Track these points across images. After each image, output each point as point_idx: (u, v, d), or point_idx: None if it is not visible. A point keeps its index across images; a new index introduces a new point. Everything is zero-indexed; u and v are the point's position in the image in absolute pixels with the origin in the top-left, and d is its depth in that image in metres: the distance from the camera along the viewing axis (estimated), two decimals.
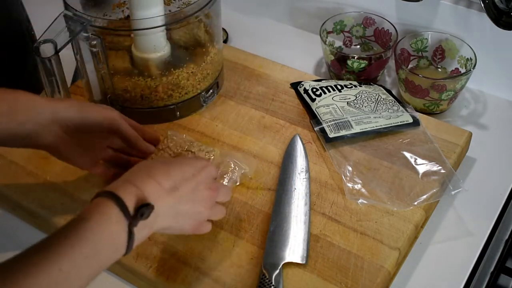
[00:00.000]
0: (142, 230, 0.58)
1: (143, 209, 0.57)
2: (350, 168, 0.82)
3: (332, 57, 0.99)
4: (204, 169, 0.66)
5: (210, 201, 0.67)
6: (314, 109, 0.90)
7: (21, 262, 0.51)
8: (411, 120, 0.88)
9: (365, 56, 0.98)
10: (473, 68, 0.92)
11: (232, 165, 0.81)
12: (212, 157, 0.81)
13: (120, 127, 0.75)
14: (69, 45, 0.81)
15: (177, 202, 0.62)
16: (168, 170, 0.62)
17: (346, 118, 0.87)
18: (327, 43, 1.01)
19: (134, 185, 0.58)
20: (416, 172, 0.82)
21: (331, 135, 0.85)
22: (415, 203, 0.78)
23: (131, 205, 0.57)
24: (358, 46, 1.07)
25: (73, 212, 0.79)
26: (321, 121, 0.87)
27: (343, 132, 0.85)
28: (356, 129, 0.86)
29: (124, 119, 0.77)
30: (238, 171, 0.81)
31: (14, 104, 0.68)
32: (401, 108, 0.90)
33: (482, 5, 0.87)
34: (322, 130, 0.86)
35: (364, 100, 0.90)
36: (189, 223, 0.65)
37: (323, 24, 1.01)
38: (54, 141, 0.71)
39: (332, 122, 0.86)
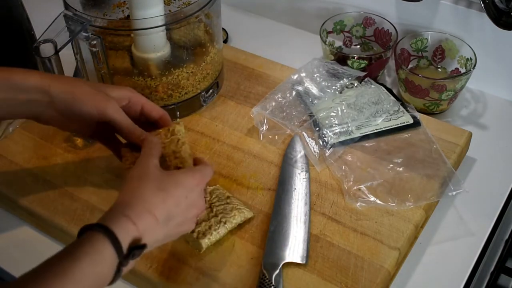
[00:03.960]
0: (129, 264, 0.58)
1: (136, 250, 0.57)
2: (349, 169, 0.82)
3: (332, 57, 0.99)
4: (194, 189, 0.65)
5: (195, 217, 0.67)
6: (314, 112, 0.89)
7: None
8: (411, 121, 0.87)
9: (365, 56, 0.98)
10: (473, 68, 0.92)
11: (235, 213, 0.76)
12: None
13: (113, 122, 0.70)
14: (69, 45, 0.81)
15: (167, 231, 0.63)
16: (163, 199, 0.61)
17: (346, 123, 0.87)
18: (327, 43, 1.01)
19: (132, 222, 0.57)
20: (417, 172, 0.82)
21: (331, 141, 0.85)
22: (415, 203, 0.78)
23: (125, 244, 0.56)
24: (358, 46, 1.07)
25: (73, 212, 0.79)
26: (321, 126, 0.87)
27: (342, 138, 0.85)
28: (356, 133, 0.86)
29: (135, 102, 0.73)
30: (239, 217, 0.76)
31: (9, 84, 0.68)
32: (401, 108, 0.89)
33: (482, 5, 0.87)
34: (322, 135, 0.86)
35: (364, 102, 0.90)
36: (173, 238, 0.66)
37: (323, 24, 1.01)
38: (47, 119, 0.71)
39: (332, 128, 0.86)
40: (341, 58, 0.98)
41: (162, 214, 0.61)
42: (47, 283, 0.51)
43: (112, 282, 0.56)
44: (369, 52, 1.06)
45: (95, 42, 0.81)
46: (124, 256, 0.56)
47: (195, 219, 0.67)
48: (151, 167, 0.64)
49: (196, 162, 0.71)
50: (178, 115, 0.91)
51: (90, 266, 0.53)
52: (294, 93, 0.93)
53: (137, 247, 0.57)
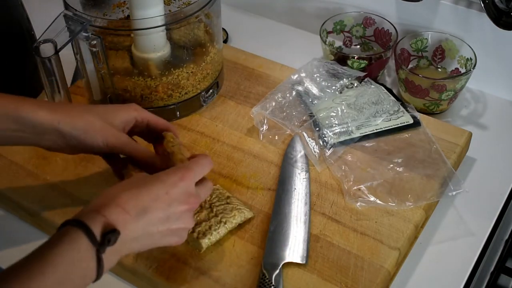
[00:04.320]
0: (111, 256, 0.58)
1: (109, 235, 0.57)
2: (349, 169, 0.82)
3: (332, 57, 0.99)
4: (177, 185, 0.64)
5: (189, 215, 0.66)
6: (314, 112, 0.89)
7: None
8: (411, 121, 0.87)
9: (365, 56, 0.98)
10: (473, 68, 0.92)
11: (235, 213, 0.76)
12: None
13: (125, 154, 0.73)
14: (69, 45, 0.81)
15: (147, 225, 0.62)
16: (136, 194, 0.62)
17: (347, 123, 0.87)
18: (327, 43, 1.01)
19: (101, 214, 0.58)
20: (417, 172, 0.82)
21: (331, 141, 0.85)
22: (415, 203, 0.78)
23: (98, 232, 0.57)
24: (358, 46, 1.07)
25: (73, 212, 0.79)
26: (321, 126, 0.87)
27: (342, 138, 0.85)
28: (356, 133, 0.86)
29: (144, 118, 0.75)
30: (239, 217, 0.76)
31: (17, 117, 0.68)
32: (401, 108, 0.89)
33: (482, 5, 0.87)
34: (322, 135, 0.86)
35: (364, 102, 0.90)
36: (170, 240, 0.65)
37: (323, 24, 1.01)
38: (56, 149, 0.72)
39: (332, 128, 0.86)
40: (341, 58, 0.98)
41: (133, 207, 0.61)
42: (32, 269, 0.53)
43: (98, 274, 0.57)
44: (369, 52, 1.06)
45: (95, 42, 0.81)
46: (100, 243, 0.57)
47: (188, 215, 0.65)
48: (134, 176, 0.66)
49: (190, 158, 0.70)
50: (178, 115, 0.91)
51: (68, 253, 0.55)
52: (294, 93, 0.93)
53: (110, 231, 0.57)
